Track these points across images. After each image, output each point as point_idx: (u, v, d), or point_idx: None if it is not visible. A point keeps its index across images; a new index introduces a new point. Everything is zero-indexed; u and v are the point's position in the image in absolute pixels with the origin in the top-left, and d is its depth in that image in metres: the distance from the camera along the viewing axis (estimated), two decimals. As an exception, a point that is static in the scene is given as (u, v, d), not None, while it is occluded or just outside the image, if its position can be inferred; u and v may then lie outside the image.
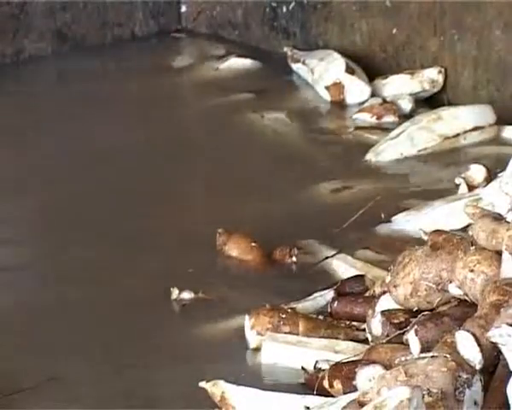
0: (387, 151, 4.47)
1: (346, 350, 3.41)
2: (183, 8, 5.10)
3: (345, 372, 3.25)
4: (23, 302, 4.07)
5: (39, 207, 4.60)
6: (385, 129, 4.57)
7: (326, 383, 3.27)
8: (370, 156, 4.46)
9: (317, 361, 3.39)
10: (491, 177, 3.94)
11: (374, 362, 3.21)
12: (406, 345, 3.22)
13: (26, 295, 4.10)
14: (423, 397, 2.85)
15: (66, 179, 4.60)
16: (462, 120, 4.47)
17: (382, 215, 4.08)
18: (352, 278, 3.71)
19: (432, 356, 3.01)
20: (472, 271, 3.32)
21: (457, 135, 4.44)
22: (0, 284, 4.16)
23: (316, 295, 3.68)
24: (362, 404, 2.97)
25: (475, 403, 2.94)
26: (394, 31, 4.71)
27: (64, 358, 3.69)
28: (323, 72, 4.79)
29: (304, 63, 4.89)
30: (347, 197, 4.22)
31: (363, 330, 3.48)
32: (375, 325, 3.41)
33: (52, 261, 4.30)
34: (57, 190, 4.60)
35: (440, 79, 4.69)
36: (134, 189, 4.43)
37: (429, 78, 4.65)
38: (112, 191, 4.46)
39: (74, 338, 3.81)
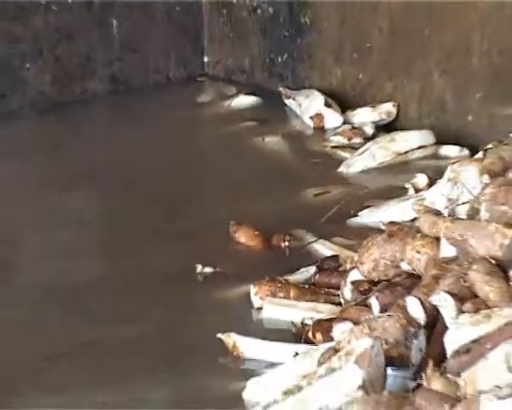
0: (355, 164, 4.45)
1: (325, 311, 3.39)
2: (206, 59, 5.10)
3: (324, 327, 3.25)
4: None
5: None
6: (354, 148, 4.55)
7: (310, 335, 3.28)
8: (343, 168, 4.46)
9: (303, 318, 3.38)
10: (432, 183, 3.93)
11: (345, 319, 3.20)
12: (369, 307, 3.20)
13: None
14: (382, 345, 2.87)
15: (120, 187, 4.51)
16: (410, 141, 4.51)
17: (352, 212, 4.08)
18: (329, 257, 3.70)
19: (388, 315, 3.03)
20: (418, 252, 3.32)
21: (407, 152, 4.46)
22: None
23: (303, 269, 3.68)
24: (337, 350, 2.97)
25: (420, 350, 2.97)
26: (360, 76, 4.69)
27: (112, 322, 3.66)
28: (308, 106, 4.81)
29: (294, 99, 4.92)
30: (326, 199, 4.23)
31: (338, 295, 3.47)
32: (347, 292, 3.41)
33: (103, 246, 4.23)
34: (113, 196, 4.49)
35: (394, 111, 4.72)
36: (166, 192, 4.42)
37: (386, 110, 4.66)
38: (149, 194, 4.45)
39: (122, 303, 3.81)
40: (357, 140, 4.60)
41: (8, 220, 4.46)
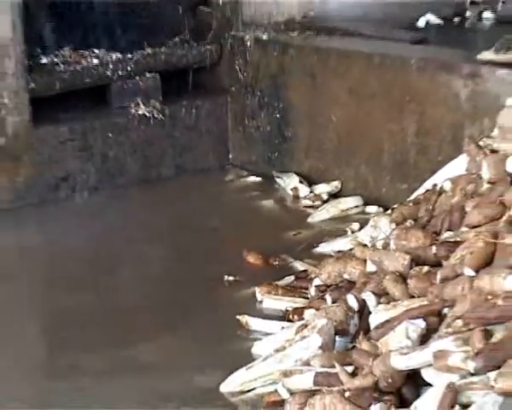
0: (317, 217, 4.39)
1: (299, 302, 3.35)
2: (230, 156, 5.10)
3: (298, 312, 3.22)
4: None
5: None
6: (316, 207, 4.47)
7: (291, 317, 3.24)
8: (310, 219, 4.36)
9: (287, 307, 3.35)
10: (361, 228, 3.87)
11: (311, 308, 3.18)
12: (325, 300, 3.18)
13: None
14: (332, 323, 2.86)
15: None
16: (348, 203, 4.43)
17: (315, 244, 3.99)
18: (302, 271, 3.67)
19: (336, 305, 3.01)
20: (354, 268, 3.31)
21: (347, 209, 4.38)
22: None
23: (287, 278, 3.63)
24: (306, 325, 2.97)
25: (355, 325, 2.95)
26: (320, 165, 4.68)
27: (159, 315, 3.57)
28: (289, 183, 4.73)
29: (281, 179, 4.83)
30: (300, 237, 4.15)
31: (307, 293, 3.43)
32: (312, 291, 3.38)
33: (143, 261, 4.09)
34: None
35: (339, 186, 4.61)
36: (200, 232, 4.33)
37: (335, 185, 4.58)
38: (188, 237, 4.32)
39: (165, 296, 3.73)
40: (318, 202, 4.52)
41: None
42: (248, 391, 2.88)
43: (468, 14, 5.74)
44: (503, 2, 5.84)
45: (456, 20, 5.63)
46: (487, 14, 5.72)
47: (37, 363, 3.31)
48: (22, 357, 3.26)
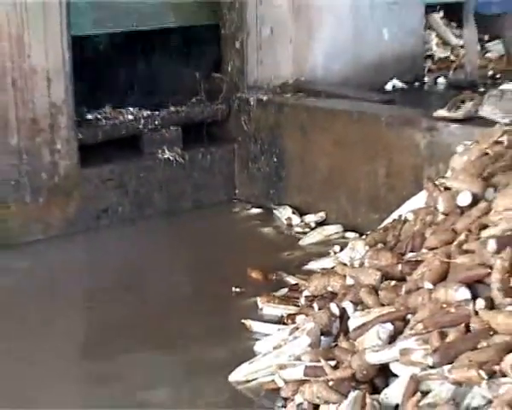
0: (307, 240, 4.34)
1: (292, 309, 3.32)
2: (237, 191, 5.02)
3: (291, 317, 3.19)
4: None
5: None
6: (305, 233, 4.43)
7: (285, 321, 3.23)
8: (301, 242, 4.29)
9: (282, 313, 3.33)
10: (342, 250, 3.82)
11: (302, 314, 3.16)
12: (313, 308, 3.15)
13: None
14: (319, 326, 2.84)
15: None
16: (331, 230, 4.38)
17: (304, 262, 3.93)
18: (294, 284, 3.63)
19: (322, 312, 2.96)
20: (336, 282, 3.27)
21: (330, 235, 4.32)
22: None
23: (282, 290, 3.60)
24: (297, 328, 2.95)
25: (337, 328, 2.90)
26: (309, 199, 4.65)
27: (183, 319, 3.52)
28: (284, 214, 4.63)
29: (278, 210, 4.74)
30: (293, 256, 4.11)
31: (299, 302, 3.39)
32: (302, 301, 3.33)
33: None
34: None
35: (324, 216, 4.52)
36: (213, 252, 4.26)
37: (320, 215, 4.51)
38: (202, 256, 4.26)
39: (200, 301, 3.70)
40: (307, 229, 4.45)
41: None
42: (251, 381, 2.88)
43: (426, 79, 5.79)
44: (454, 70, 5.89)
45: (417, 84, 5.65)
46: (441, 80, 5.76)
47: (83, 371, 3.16)
48: (68, 364, 3.15)
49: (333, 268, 3.52)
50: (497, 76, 5.47)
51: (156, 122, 4.83)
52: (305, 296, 3.35)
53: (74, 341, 3.41)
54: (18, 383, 2.87)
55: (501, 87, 4.48)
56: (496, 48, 6.14)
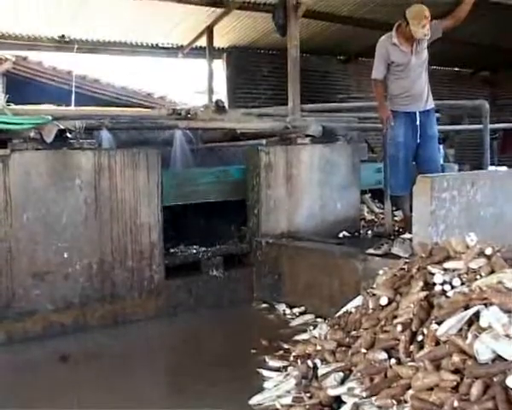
0: (294, 323, 4.10)
1: (286, 363, 3.18)
2: (254, 294, 4.58)
3: (285, 368, 3.08)
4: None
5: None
6: (293, 318, 4.15)
7: (282, 370, 3.08)
8: (291, 324, 4.02)
9: (280, 366, 3.18)
10: (315, 328, 3.57)
11: (291, 366, 3.05)
12: (297, 363, 3.00)
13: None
14: (301, 374, 2.76)
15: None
16: (309, 317, 4.11)
17: (293, 336, 3.63)
18: (287, 348, 3.43)
19: (303, 365, 2.88)
20: (311, 348, 3.16)
21: (308, 320, 4.02)
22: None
23: (280, 351, 3.42)
24: (288, 374, 2.91)
25: (311, 375, 2.81)
26: (296, 299, 4.33)
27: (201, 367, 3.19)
28: (281, 307, 4.33)
29: (278, 305, 4.40)
30: (287, 332, 3.87)
31: (289, 359, 3.20)
32: (291, 358, 3.19)
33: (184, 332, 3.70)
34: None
35: (305, 309, 4.25)
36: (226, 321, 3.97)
37: (302, 309, 4.20)
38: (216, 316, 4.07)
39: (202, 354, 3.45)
40: (294, 316, 4.22)
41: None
42: (262, 404, 2.81)
43: (361, 232, 5.50)
44: (377, 227, 5.58)
45: (356, 234, 5.40)
46: (370, 232, 5.32)
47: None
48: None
49: (309, 339, 3.46)
50: (401, 230, 5.32)
51: (209, 254, 4.91)
52: (293, 356, 3.28)
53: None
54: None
55: (402, 236, 4.57)
56: (400, 213, 5.90)
